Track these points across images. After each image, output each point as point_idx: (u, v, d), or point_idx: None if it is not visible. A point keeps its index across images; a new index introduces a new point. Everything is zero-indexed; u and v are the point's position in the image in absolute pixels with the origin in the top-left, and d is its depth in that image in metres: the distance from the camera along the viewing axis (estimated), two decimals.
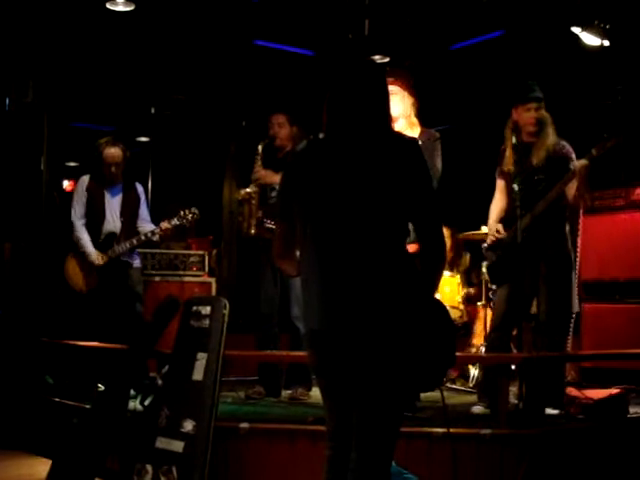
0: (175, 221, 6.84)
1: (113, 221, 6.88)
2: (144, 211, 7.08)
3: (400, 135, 3.44)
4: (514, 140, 5.63)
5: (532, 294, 5.75)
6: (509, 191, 5.76)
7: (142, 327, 6.04)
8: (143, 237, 6.83)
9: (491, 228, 5.86)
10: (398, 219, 3.22)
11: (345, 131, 3.28)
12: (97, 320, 6.64)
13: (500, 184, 5.93)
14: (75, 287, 6.82)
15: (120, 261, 6.81)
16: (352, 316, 3.14)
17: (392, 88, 4.01)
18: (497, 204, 5.94)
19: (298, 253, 3.43)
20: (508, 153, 5.71)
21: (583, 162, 5.53)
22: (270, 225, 6.16)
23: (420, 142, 3.67)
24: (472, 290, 8.58)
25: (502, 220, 5.81)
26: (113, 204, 6.93)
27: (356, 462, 3.20)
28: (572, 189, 5.63)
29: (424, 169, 3.28)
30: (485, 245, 5.90)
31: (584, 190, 5.69)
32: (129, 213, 6.95)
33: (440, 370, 3.32)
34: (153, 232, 6.82)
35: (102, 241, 6.82)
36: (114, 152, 6.86)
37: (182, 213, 6.87)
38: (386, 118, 3.39)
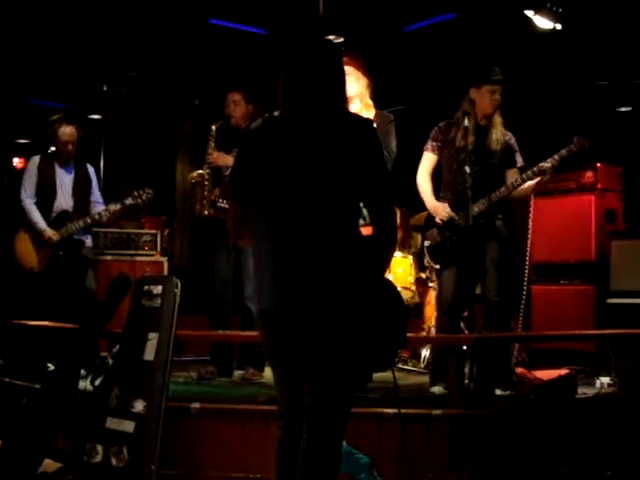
0: (129, 200, 6.83)
1: (65, 200, 6.83)
2: (96, 192, 7.05)
3: (355, 116, 3.45)
4: (466, 122, 5.65)
5: (478, 276, 5.78)
6: (448, 169, 5.87)
7: (93, 306, 6.00)
8: (96, 216, 6.79)
9: (438, 207, 5.85)
10: (350, 199, 3.24)
11: (300, 110, 3.29)
12: (48, 299, 6.59)
13: (432, 159, 5.95)
14: (25, 265, 6.75)
15: (73, 239, 6.77)
16: (303, 296, 3.16)
17: (347, 69, 4.01)
18: (428, 180, 5.96)
19: None
20: (469, 131, 5.70)
21: (551, 163, 5.62)
22: (223, 205, 6.14)
23: (375, 124, 3.67)
24: (423, 274, 8.59)
25: (451, 200, 5.84)
26: (65, 183, 6.88)
27: (307, 442, 3.21)
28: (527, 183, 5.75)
29: (378, 150, 3.31)
30: (438, 222, 5.88)
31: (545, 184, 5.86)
32: (81, 192, 6.91)
33: (391, 351, 3.35)
34: (106, 210, 6.80)
35: (54, 219, 6.77)
36: (69, 131, 6.82)
37: (136, 193, 6.85)
38: (342, 98, 3.41)
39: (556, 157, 5.63)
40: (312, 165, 3.20)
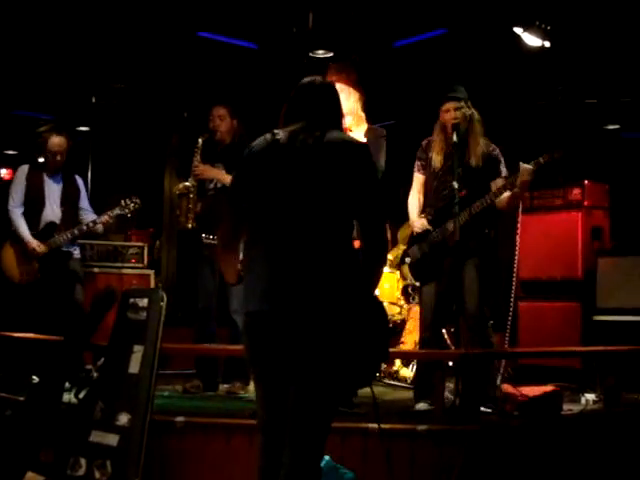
0: (117, 211, 6.84)
1: (53, 210, 6.83)
2: (85, 202, 7.06)
3: (351, 140, 3.58)
4: (455, 138, 5.63)
5: (457, 292, 5.75)
6: (430, 187, 5.89)
7: (79, 319, 5.98)
8: (85, 227, 6.80)
9: (414, 221, 5.91)
10: (344, 216, 3.37)
11: (301, 134, 3.41)
12: (36, 311, 6.56)
13: (420, 178, 6.01)
14: (12, 278, 6.73)
15: (61, 251, 6.76)
16: (290, 301, 3.22)
17: (339, 86, 4.06)
18: (417, 200, 6.01)
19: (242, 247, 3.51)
20: (447, 151, 5.73)
21: (530, 167, 5.52)
22: (209, 241, 6.14)
23: (366, 139, 3.70)
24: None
25: (431, 216, 5.85)
26: (53, 193, 6.88)
27: (287, 456, 3.22)
28: (505, 194, 5.69)
29: (371, 173, 3.46)
30: (413, 235, 5.91)
31: (523, 193, 5.77)
32: (69, 202, 6.91)
33: (372, 365, 3.38)
34: (95, 222, 6.80)
35: (42, 230, 6.76)
36: (59, 141, 6.83)
37: (123, 203, 6.87)
38: (339, 126, 3.57)
39: (529, 166, 5.58)
40: (309, 183, 3.32)
